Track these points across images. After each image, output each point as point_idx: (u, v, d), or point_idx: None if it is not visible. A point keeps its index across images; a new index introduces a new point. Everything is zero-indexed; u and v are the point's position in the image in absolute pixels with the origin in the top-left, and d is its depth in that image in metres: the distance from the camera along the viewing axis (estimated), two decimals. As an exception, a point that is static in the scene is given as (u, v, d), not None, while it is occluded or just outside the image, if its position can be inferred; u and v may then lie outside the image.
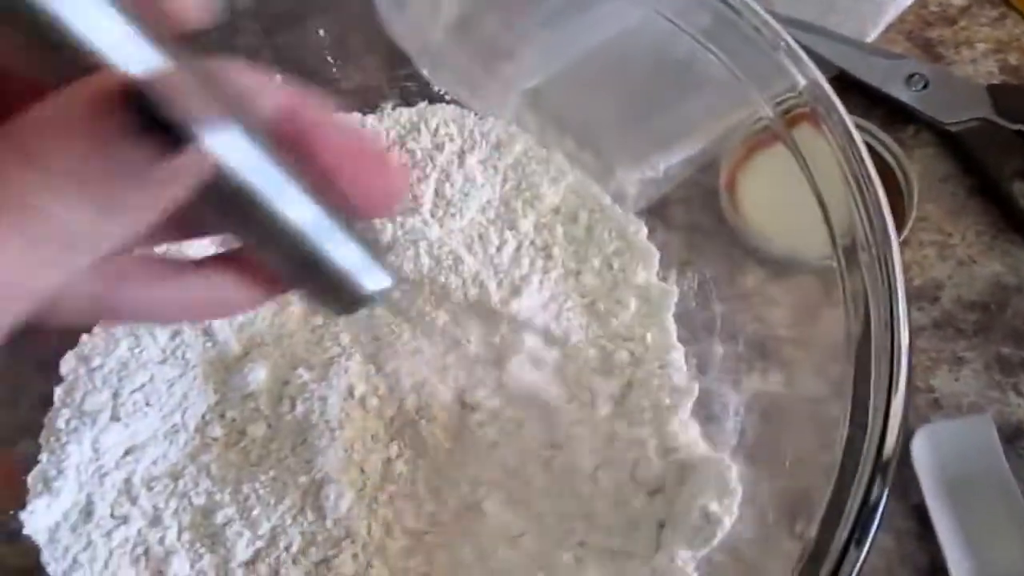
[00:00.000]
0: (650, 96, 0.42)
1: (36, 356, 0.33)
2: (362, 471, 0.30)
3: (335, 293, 0.19)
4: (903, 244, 0.39)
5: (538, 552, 0.29)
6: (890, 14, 0.45)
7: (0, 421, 0.30)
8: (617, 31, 0.45)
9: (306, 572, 0.29)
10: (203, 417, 0.33)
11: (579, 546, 0.29)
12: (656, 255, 0.35)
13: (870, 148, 0.40)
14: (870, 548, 0.25)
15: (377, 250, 0.19)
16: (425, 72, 0.41)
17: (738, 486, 0.29)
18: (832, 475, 0.28)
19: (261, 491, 0.31)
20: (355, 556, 0.29)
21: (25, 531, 0.28)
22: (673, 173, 0.40)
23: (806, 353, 0.37)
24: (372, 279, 0.19)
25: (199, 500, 0.30)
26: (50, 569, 0.28)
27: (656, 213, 0.40)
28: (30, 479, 0.29)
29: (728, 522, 0.28)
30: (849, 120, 0.31)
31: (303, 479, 0.30)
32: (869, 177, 0.28)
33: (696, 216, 0.40)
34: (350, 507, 0.29)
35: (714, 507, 0.28)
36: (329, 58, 0.36)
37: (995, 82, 0.42)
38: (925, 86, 0.41)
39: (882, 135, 0.40)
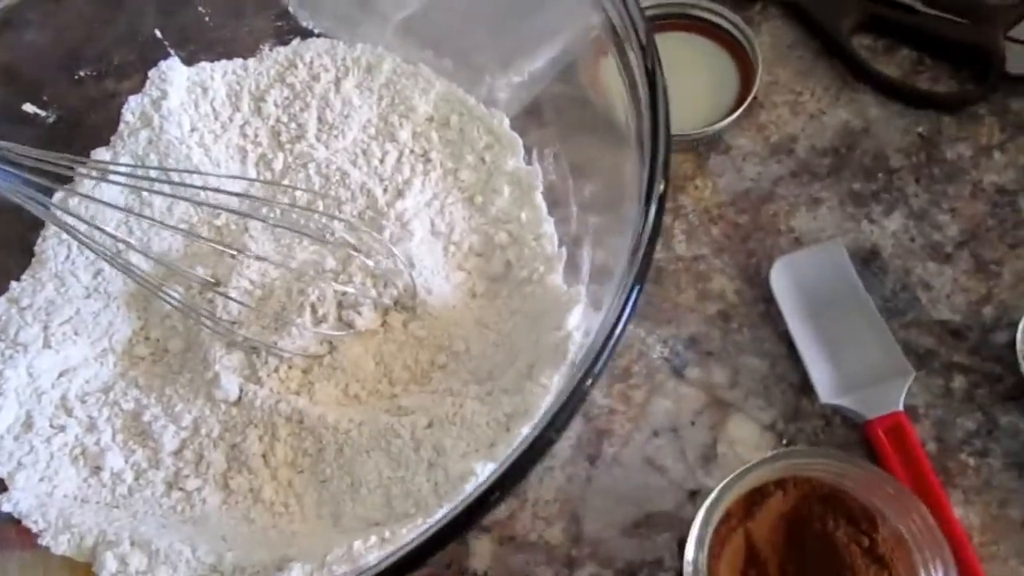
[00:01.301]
0: (510, 11, 0.46)
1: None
2: (253, 366, 0.34)
3: None
4: (759, 106, 0.42)
5: (419, 405, 0.33)
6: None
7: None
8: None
9: (225, 453, 0.33)
10: (129, 340, 0.36)
11: (461, 394, 0.33)
12: (520, 142, 0.39)
13: (720, 28, 0.43)
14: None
15: None
16: (304, 20, 0.44)
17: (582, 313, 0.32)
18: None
19: (180, 391, 0.34)
20: (260, 438, 0.33)
21: (-30, 443, 0.32)
22: (538, 77, 0.44)
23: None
24: None
25: (128, 406, 0.34)
26: (-1, 471, 0.32)
27: (531, 113, 0.43)
28: (-28, 402, 0.33)
29: (579, 337, 0.31)
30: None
31: (209, 374, 0.34)
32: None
33: (565, 113, 0.43)
34: (239, 397, 0.33)
35: (570, 331, 0.31)
36: (201, 9, 0.40)
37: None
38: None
39: (729, 14, 0.43)
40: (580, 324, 0.32)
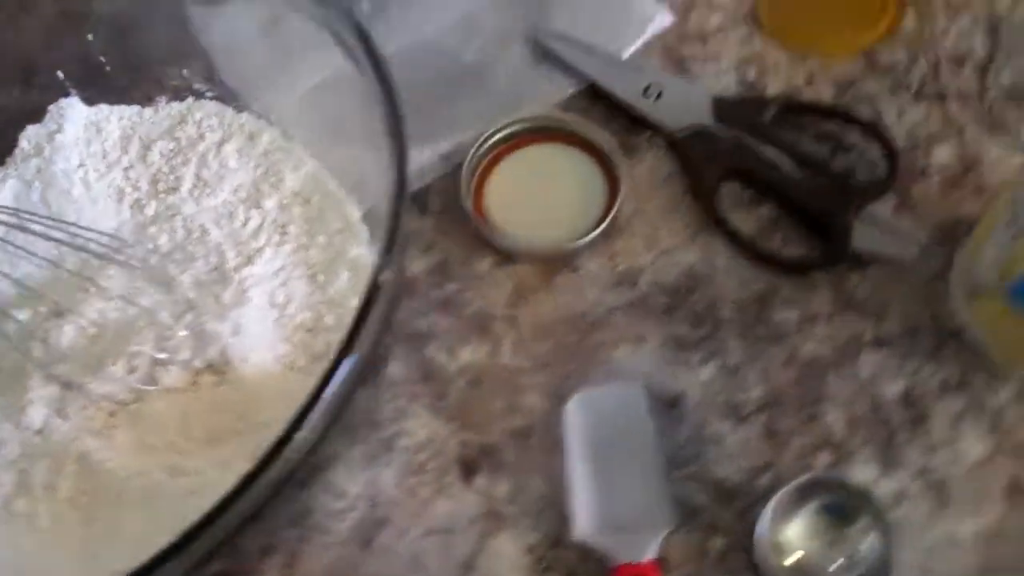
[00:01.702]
0: (425, 96, 0.48)
1: None
2: (64, 401, 0.37)
3: None
4: (618, 233, 0.44)
5: (197, 469, 0.35)
6: (648, 33, 0.50)
7: None
8: (401, 45, 0.50)
9: (14, 477, 0.36)
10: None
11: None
12: (366, 233, 0.41)
13: (598, 151, 0.45)
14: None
15: None
16: (228, 75, 0.47)
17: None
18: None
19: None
20: (48, 468, 0.35)
21: None
22: (435, 165, 0.46)
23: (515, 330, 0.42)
24: None
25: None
26: None
27: (417, 199, 0.46)
28: None
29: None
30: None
31: (22, 401, 0.37)
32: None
33: (449, 205, 0.45)
34: (42, 425, 0.36)
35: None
36: (102, 58, 0.43)
37: (726, 95, 0.47)
38: (659, 96, 0.46)
39: (606, 137, 0.45)
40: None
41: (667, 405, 0.40)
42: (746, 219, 0.44)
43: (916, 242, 0.41)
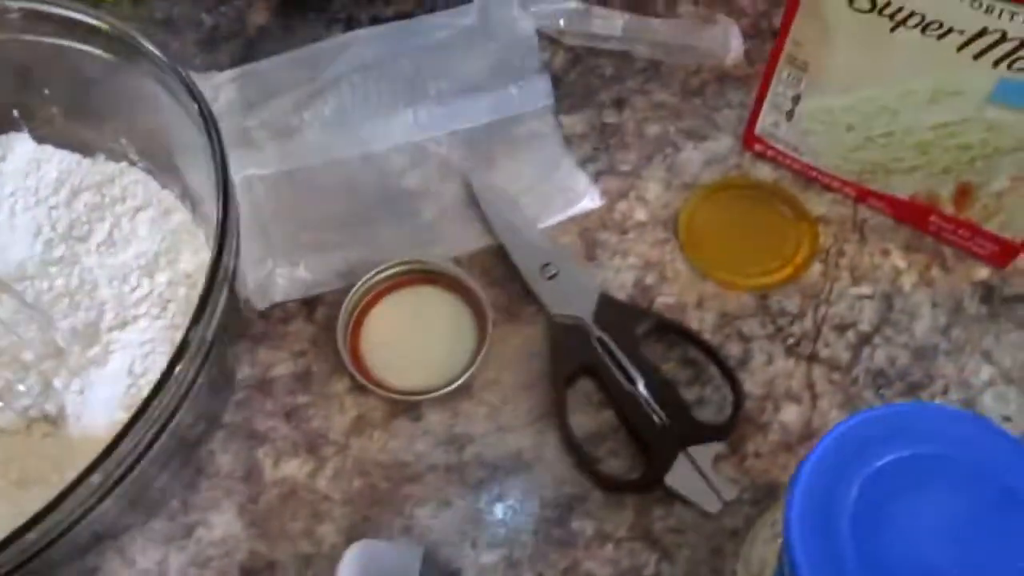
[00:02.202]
0: (353, 206, 0.51)
1: None
2: None
3: None
4: (466, 394, 0.46)
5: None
6: (574, 210, 0.52)
7: None
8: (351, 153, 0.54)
9: None
10: None
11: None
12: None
13: (479, 310, 0.47)
14: None
15: None
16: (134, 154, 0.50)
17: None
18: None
19: None
20: None
21: None
22: (331, 279, 0.49)
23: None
24: None
25: None
26: None
27: (308, 304, 0.49)
28: None
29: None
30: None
31: None
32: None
33: (332, 322, 0.48)
34: None
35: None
36: (54, 109, 0.47)
37: (614, 294, 0.49)
38: (554, 276, 0.49)
39: (487, 302, 0.47)
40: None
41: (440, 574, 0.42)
42: (587, 419, 0.45)
43: (721, 498, 0.42)
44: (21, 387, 0.41)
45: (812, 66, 0.46)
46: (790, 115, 0.50)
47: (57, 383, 0.42)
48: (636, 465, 0.44)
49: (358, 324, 0.48)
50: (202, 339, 0.36)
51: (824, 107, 0.48)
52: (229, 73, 0.56)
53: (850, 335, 0.47)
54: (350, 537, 0.43)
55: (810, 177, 0.52)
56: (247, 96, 0.55)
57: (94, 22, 0.43)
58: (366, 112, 0.56)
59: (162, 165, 0.47)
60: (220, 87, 0.54)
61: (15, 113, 0.47)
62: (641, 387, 0.45)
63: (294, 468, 0.45)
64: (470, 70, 0.58)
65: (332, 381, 0.47)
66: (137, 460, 0.36)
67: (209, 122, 0.39)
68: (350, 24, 0.60)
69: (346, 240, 0.51)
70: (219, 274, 0.37)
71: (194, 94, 0.40)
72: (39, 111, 0.47)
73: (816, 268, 0.49)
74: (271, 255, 0.49)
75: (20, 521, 0.36)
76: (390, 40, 0.59)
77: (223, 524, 0.43)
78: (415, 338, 0.48)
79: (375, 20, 0.61)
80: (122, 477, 0.36)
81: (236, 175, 0.50)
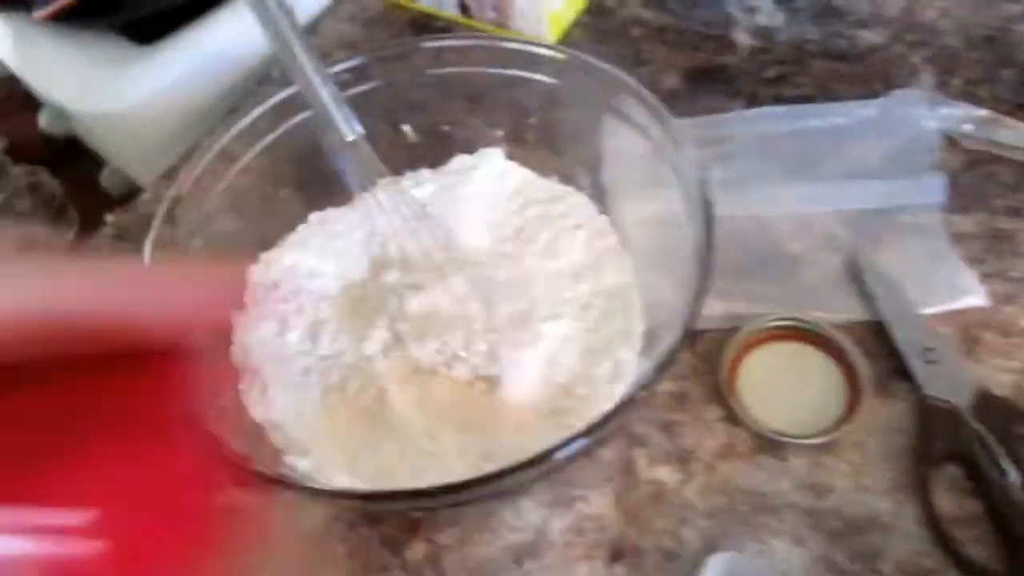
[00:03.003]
0: (736, 258, 0.57)
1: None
2: (389, 348, 0.51)
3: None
4: (828, 450, 0.50)
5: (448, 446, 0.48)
6: (957, 304, 0.54)
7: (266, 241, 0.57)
8: (736, 214, 0.60)
9: (340, 378, 0.51)
10: (353, 282, 0.56)
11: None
12: (639, 343, 0.51)
13: (852, 374, 0.51)
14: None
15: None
16: (609, 173, 0.59)
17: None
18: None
19: (350, 328, 0.53)
20: (360, 386, 0.50)
21: (246, 276, 0.54)
22: (713, 319, 0.55)
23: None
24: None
25: (323, 314, 0.54)
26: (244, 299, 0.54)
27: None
28: (262, 256, 0.55)
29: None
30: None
31: (367, 331, 0.52)
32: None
33: (698, 360, 0.54)
34: (371, 355, 0.51)
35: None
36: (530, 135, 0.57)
37: (994, 392, 0.50)
38: (932, 361, 0.51)
39: (864, 368, 0.51)
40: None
41: None
42: (950, 503, 0.48)
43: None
44: (474, 349, 0.51)
45: None
46: None
47: (501, 352, 0.51)
48: (1001, 557, 0.46)
49: (737, 362, 0.54)
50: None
51: None
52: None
53: None
54: (709, 546, 0.48)
55: None
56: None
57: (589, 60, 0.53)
58: (761, 179, 0.62)
59: (599, 194, 0.55)
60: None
61: (499, 133, 0.58)
62: (1015, 481, 0.46)
63: (665, 474, 0.51)
64: (865, 157, 0.62)
65: (707, 407, 0.53)
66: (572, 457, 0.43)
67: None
68: (752, 100, 0.67)
69: (730, 288, 0.57)
70: (687, 335, 0.43)
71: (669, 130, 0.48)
72: (517, 135, 0.58)
73: None
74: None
75: (460, 456, 0.45)
76: (792, 119, 0.65)
77: (600, 504, 0.50)
78: (788, 387, 0.53)
79: (777, 99, 0.67)
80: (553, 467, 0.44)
81: (651, 210, 0.58)
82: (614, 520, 0.50)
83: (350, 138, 0.51)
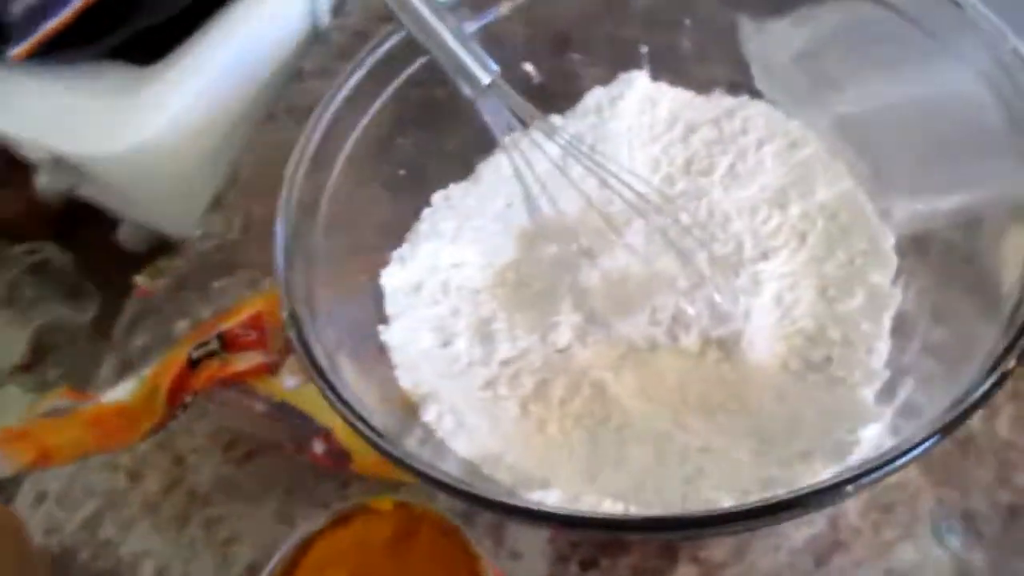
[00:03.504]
0: (942, 148, 0.47)
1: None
2: (585, 332, 0.40)
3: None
4: None
5: (697, 430, 0.37)
6: None
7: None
8: (937, 89, 0.50)
9: (535, 382, 0.40)
10: (506, 265, 0.45)
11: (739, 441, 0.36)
12: (895, 263, 0.41)
13: None
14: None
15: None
16: (761, 85, 0.49)
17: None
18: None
19: (526, 321, 0.42)
20: (566, 386, 0.39)
21: (380, 281, 0.43)
22: (940, 215, 0.45)
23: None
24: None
25: (485, 313, 0.43)
26: (387, 310, 0.42)
27: (917, 242, 0.45)
28: (392, 254, 0.44)
29: (867, 449, 0.33)
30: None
31: (551, 320, 0.41)
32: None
33: (948, 256, 0.44)
34: (566, 346, 0.40)
35: (860, 440, 0.34)
36: (687, 42, 0.47)
37: None
38: None
39: None
40: (874, 440, 0.34)
41: None
42: None
43: None
44: (691, 311, 0.40)
45: None
46: None
47: (725, 308, 0.40)
48: None
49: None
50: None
51: None
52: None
53: None
54: (1059, 489, 0.37)
55: None
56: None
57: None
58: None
59: (792, 94, 0.45)
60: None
61: (643, 49, 0.47)
62: None
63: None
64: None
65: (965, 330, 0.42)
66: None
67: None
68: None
69: (945, 175, 0.47)
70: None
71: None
72: (665, 47, 0.47)
73: None
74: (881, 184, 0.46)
75: (734, 443, 0.34)
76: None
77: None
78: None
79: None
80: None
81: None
82: (921, 484, 0.39)
83: (487, 80, 0.40)
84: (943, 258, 0.42)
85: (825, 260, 0.42)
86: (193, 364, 0.45)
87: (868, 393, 0.38)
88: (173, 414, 0.44)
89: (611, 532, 0.34)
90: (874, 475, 0.29)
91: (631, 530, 0.31)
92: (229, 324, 0.46)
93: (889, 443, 0.33)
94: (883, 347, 0.39)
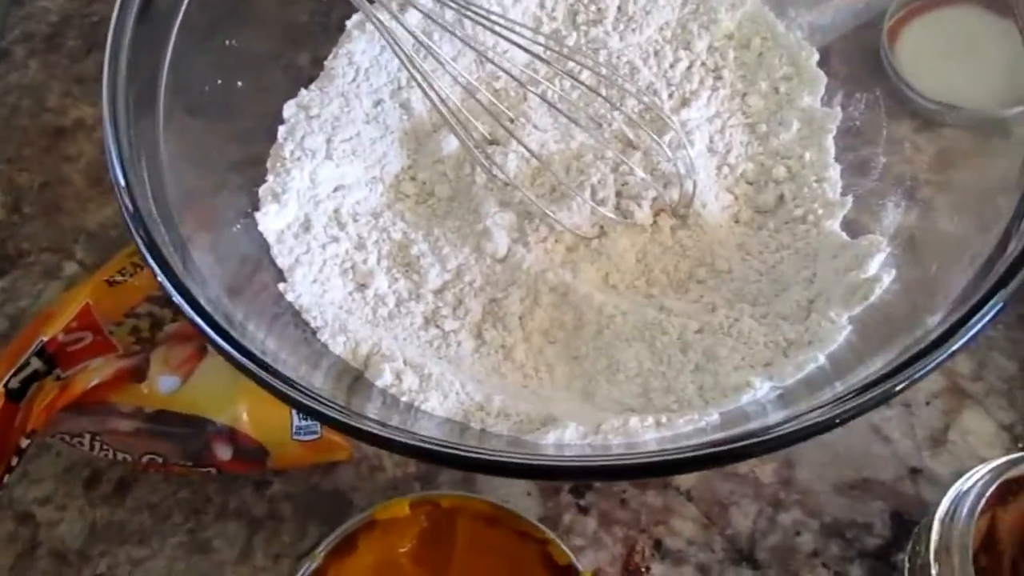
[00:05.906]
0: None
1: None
2: (523, 230, 0.34)
3: None
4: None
5: (683, 310, 0.32)
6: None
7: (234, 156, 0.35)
8: None
9: (483, 305, 0.33)
10: (397, 176, 0.37)
11: (734, 310, 0.32)
12: (823, 80, 0.38)
13: None
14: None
15: None
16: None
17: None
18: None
19: (448, 235, 0.35)
20: (521, 299, 0.33)
21: (259, 228, 0.33)
22: (838, 24, 0.42)
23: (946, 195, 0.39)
24: None
25: (396, 236, 0.35)
26: (278, 261, 0.33)
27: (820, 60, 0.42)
28: (260, 191, 0.34)
29: (886, 280, 0.30)
30: None
31: (479, 227, 0.34)
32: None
33: (854, 68, 0.41)
34: (507, 254, 0.33)
35: (874, 275, 0.31)
36: None
37: None
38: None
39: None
40: (884, 270, 0.31)
41: None
42: None
43: None
44: (635, 179, 0.35)
45: None
46: None
47: (665, 169, 0.35)
48: None
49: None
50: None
51: None
52: None
53: None
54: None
55: None
56: None
57: None
58: None
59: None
60: None
61: None
62: None
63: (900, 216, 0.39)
64: None
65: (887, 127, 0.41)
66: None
67: None
68: None
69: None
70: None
71: None
72: None
73: None
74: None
75: (717, 318, 0.31)
76: None
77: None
78: (959, 60, 0.41)
79: None
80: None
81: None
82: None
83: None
84: (846, 78, 0.40)
85: (747, 94, 0.38)
86: (15, 396, 0.33)
87: (834, 224, 0.35)
88: (7, 467, 0.33)
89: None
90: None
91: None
92: (49, 333, 0.35)
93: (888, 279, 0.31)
94: (833, 174, 0.36)
